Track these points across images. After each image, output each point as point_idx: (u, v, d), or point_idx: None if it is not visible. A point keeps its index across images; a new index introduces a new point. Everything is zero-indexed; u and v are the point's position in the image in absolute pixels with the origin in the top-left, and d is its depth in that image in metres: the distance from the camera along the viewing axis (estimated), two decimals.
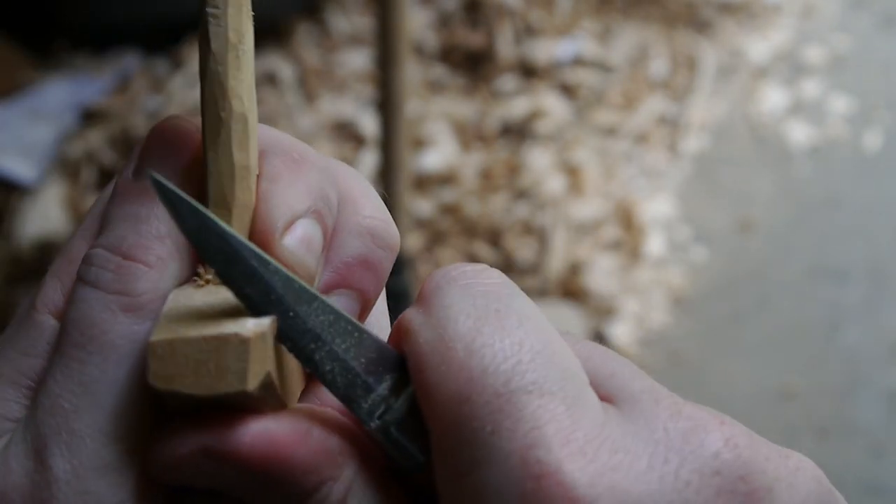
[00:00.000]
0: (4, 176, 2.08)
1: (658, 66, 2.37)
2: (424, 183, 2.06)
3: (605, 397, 0.29)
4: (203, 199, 0.30)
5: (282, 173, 0.31)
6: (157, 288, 0.30)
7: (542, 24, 2.40)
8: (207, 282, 0.30)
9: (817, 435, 1.69)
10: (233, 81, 0.30)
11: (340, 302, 0.32)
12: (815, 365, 1.80)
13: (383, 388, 0.29)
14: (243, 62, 0.30)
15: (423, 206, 2.01)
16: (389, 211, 0.36)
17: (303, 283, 0.29)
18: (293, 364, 0.31)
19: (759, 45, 2.47)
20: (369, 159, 2.09)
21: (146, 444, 0.29)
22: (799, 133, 2.26)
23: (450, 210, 2.01)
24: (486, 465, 0.27)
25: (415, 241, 1.92)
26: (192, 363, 0.28)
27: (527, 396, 0.27)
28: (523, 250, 1.94)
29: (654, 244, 2.00)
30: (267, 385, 0.28)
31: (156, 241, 0.30)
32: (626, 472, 0.26)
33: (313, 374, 0.29)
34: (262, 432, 0.28)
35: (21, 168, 2.10)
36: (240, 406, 0.28)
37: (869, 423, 1.70)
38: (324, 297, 0.30)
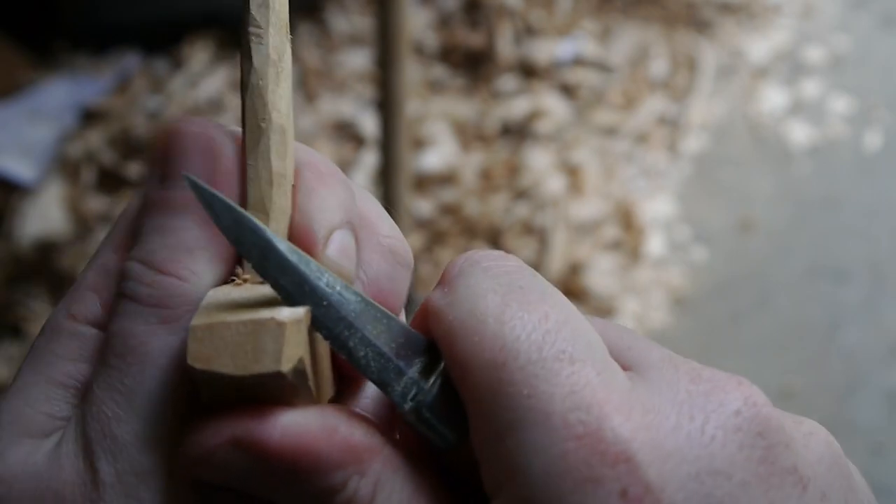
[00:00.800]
0: (4, 176, 2.08)
1: (658, 66, 2.37)
2: (424, 183, 2.06)
3: (625, 367, 0.31)
4: (241, 204, 0.32)
5: (315, 186, 0.33)
6: (191, 300, 0.32)
7: (542, 24, 2.40)
8: (245, 281, 0.32)
9: None
10: (272, 95, 0.32)
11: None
12: (815, 365, 1.80)
13: (414, 370, 0.31)
14: (282, 78, 0.32)
15: (423, 206, 2.01)
16: (389, 212, 0.37)
17: (332, 275, 0.31)
18: (325, 365, 0.32)
19: (759, 45, 2.47)
20: (369, 159, 2.09)
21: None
22: (799, 133, 2.26)
23: (450, 210, 2.01)
24: (526, 427, 0.28)
25: (415, 241, 1.93)
26: (230, 346, 0.29)
27: (559, 363, 0.29)
28: (523, 250, 1.94)
29: (654, 244, 2.00)
30: (300, 372, 0.29)
31: (186, 253, 0.32)
32: (658, 430, 0.28)
33: (348, 360, 0.31)
34: (292, 425, 0.29)
35: (21, 168, 2.10)
36: (273, 396, 0.29)
37: (869, 423, 1.70)
38: (352, 287, 0.31)
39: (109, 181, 2.10)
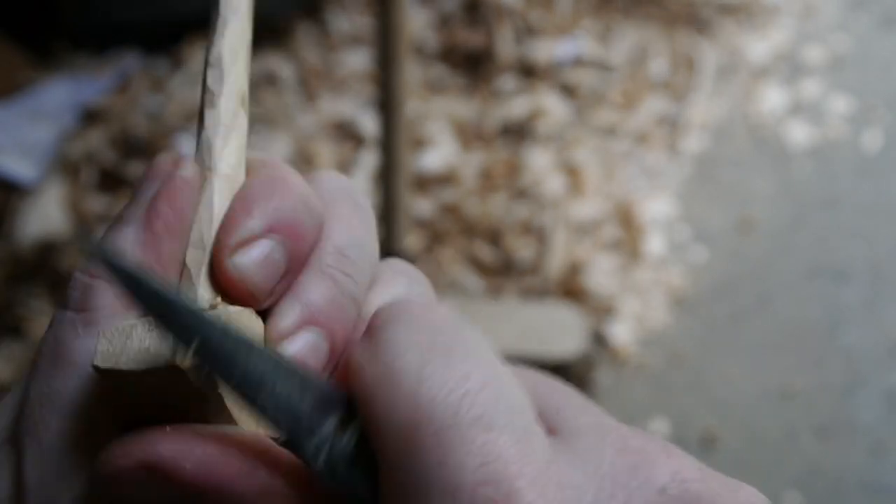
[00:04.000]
0: (4, 176, 2.08)
1: (658, 66, 2.37)
2: (424, 183, 2.06)
3: (551, 431, 0.29)
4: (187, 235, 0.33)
5: (254, 195, 0.32)
6: (115, 303, 0.31)
7: (542, 24, 2.40)
8: None
9: (817, 435, 1.69)
10: (219, 151, 0.34)
11: (307, 339, 0.32)
12: (815, 365, 1.80)
13: (328, 426, 0.29)
14: (233, 137, 0.34)
15: (423, 206, 2.01)
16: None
17: (240, 334, 0.29)
18: None
19: (759, 45, 2.47)
20: (369, 159, 2.09)
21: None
22: (799, 133, 2.26)
23: (450, 210, 2.01)
24: (434, 498, 0.27)
25: (415, 241, 1.93)
26: (135, 343, 0.29)
27: (474, 430, 0.27)
28: (523, 250, 1.94)
29: (654, 244, 2.00)
30: (205, 376, 0.28)
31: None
32: None
33: (258, 418, 0.30)
34: (207, 458, 0.28)
35: (21, 168, 2.10)
36: (185, 406, 0.29)
37: (869, 423, 1.70)
38: (262, 346, 0.30)
39: (109, 181, 2.10)
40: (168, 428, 0.28)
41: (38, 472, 0.30)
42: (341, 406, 0.30)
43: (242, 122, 0.35)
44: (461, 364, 0.28)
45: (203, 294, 0.31)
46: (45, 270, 1.94)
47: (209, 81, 0.35)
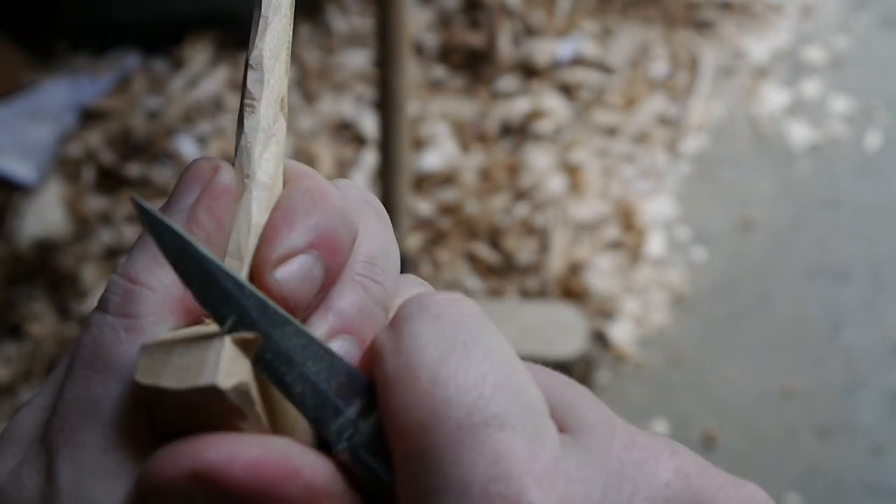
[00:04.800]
0: (4, 176, 2.08)
1: (658, 66, 2.37)
2: (424, 183, 2.06)
3: (563, 428, 0.30)
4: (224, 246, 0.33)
5: (295, 208, 0.33)
6: (159, 311, 0.32)
7: (542, 24, 2.40)
8: (210, 323, 0.32)
9: (817, 435, 1.69)
10: (258, 157, 0.34)
11: (341, 346, 0.32)
12: (815, 365, 1.80)
13: (352, 411, 0.30)
14: (271, 143, 0.34)
15: (423, 206, 2.01)
16: (389, 212, 0.37)
17: (278, 308, 0.30)
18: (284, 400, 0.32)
19: (759, 45, 2.47)
20: (369, 159, 2.09)
21: (144, 454, 0.30)
22: (799, 133, 2.26)
23: (450, 210, 2.01)
24: (446, 495, 0.28)
25: (415, 241, 1.93)
26: (175, 361, 0.29)
27: (487, 429, 0.28)
28: (523, 250, 1.94)
29: (654, 244, 2.00)
30: (242, 392, 0.29)
31: (159, 265, 0.32)
32: (582, 503, 0.28)
33: (285, 396, 0.30)
34: (254, 460, 0.28)
35: (21, 168, 2.10)
36: (222, 421, 0.29)
37: (869, 423, 1.70)
38: (297, 322, 0.30)
39: (109, 181, 2.10)
40: (213, 435, 0.29)
41: (73, 474, 0.30)
42: (366, 392, 0.31)
43: (281, 128, 0.34)
44: (479, 365, 0.29)
45: None
46: (44, 270, 1.94)
47: (249, 84, 0.34)
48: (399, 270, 0.36)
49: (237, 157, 0.34)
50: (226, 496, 0.28)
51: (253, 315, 0.29)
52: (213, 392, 0.29)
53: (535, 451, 0.28)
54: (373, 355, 0.31)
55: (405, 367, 0.29)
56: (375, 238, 0.35)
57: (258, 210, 0.33)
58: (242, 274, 0.32)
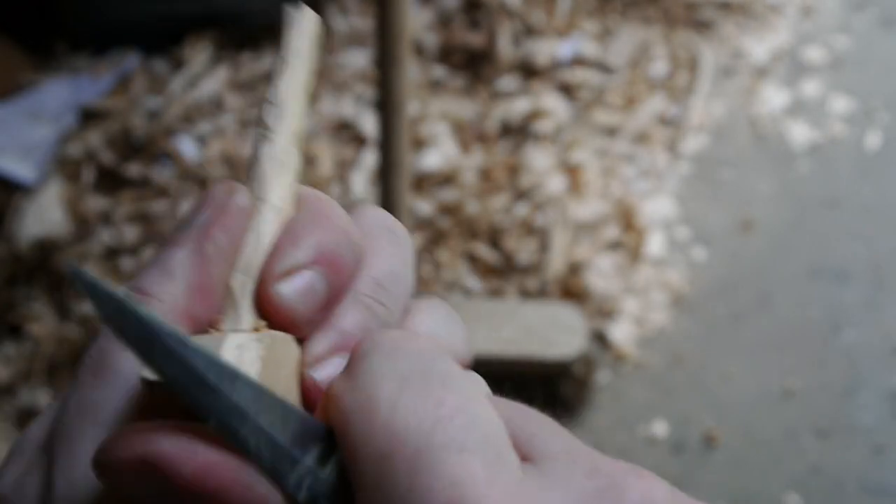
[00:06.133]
0: (4, 176, 2.08)
1: (658, 66, 2.37)
2: (424, 183, 2.06)
3: (524, 457, 0.30)
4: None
5: (301, 227, 0.34)
6: (166, 320, 0.31)
7: (542, 25, 2.40)
8: (221, 332, 0.32)
9: (817, 435, 1.69)
10: (270, 183, 0.35)
11: (340, 363, 0.32)
12: (815, 365, 1.80)
13: (310, 458, 0.30)
14: (285, 172, 0.36)
15: (423, 206, 2.01)
16: (389, 212, 0.37)
17: (226, 362, 0.30)
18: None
19: (759, 45, 2.47)
20: (369, 159, 2.09)
21: None
22: (799, 133, 2.26)
23: (450, 210, 2.01)
24: None
25: (415, 241, 1.92)
26: None
27: (446, 453, 0.27)
28: (523, 250, 1.94)
29: (654, 244, 2.00)
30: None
31: (168, 277, 0.32)
32: None
33: (240, 451, 0.30)
34: (209, 463, 0.28)
35: (21, 168, 2.10)
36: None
37: (869, 423, 1.70)
38: (247, 375, 0.30)
39: (109, 181, 2.10)
40: (170, 423, 0.28)
41: (68, 482, 0.30)
42: (323, 439, 0.30)
43: (295, 159, 0.36)
44: (437, 391, 0.29)
45: (246, 318, 0.33)
46: (44, 270, 1.94)
47: (268, 118, 0.36)
48: (410, 294, 0.36)
49: (249, 182, 0.35)
50: (171, 492, 0.28)
51: (200, 370, 0.29)
52: None
53: (493, 475, 0.27)
54: (329, 398, 0.31)
55: (363, 402, 0.29)
56: (386, 261, 0.35)
57: (268, 231, 0.34)
58: (248, 289, 0.33)
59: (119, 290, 0.30)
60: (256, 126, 0.37)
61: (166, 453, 0.28)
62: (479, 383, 0.32)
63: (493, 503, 0.27)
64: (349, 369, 0.31)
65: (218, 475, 0.28)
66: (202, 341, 0.30)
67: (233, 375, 0.29)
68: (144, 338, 0.29)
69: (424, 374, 0.29)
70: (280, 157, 0.36)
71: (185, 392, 0.29)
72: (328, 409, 0.30)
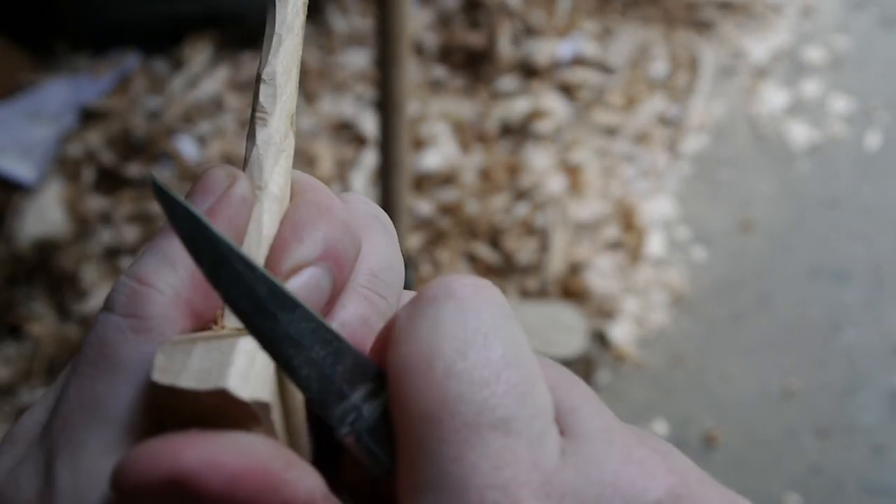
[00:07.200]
0: (4, 176, 2.08)
1: (658, 66, 2.37)
2: (424, 183, 2.06)
3: (563, 430, 0.30)
4: None
5: (303, 221, 0.33)
6: (167, 313, 0.31)
7: (542, 25, 2.40)
8: (223, 328, 0.32)
9: (817, 435, 1.69)
10: (269, 169, 0.35)
11: None
12: (815, 365, 1.80)
13: (357, 396, 0.30)
14: (282, 157, 0.35)
15: (423, 206, 2.01)
16: (389, 212, 0.37)
17: (288, 291, 0.30)
18: (299, 422, 0.32)
19: (759, 46, 2.47)
20: (369, 159, 2.09)
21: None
22: (799, 133, 2.26)
23: (450, 210, 2.01)
24: (443, 492, 0.28)
25: (415, 241, 1.93)
26: (195, 362, 0.29)
27: (494, 433, 0.28)
28: (523, 250, 1.94)
29: (654, 244, 2.00)
30: (262, 403, 0.29)
31: (169, 266, 0.32)
32: None
33: (290, 378, 0.30)
34: (235, 475, 0.27)
35: (21, 168, 2.10)
36: (238, 424, 0.29)
37: (869, 423, 1.70)
38: (307, 306, 0.30)
39: (109, 181, 2.10)
40: (191, 435, 0.28)
41: (72, 475, 0.30)
42: (372, 378, 0.31)
43: (291, 143, 0.35)
44: (495, 362, 0.29)
45: None
46: (44, 270, 1.94)
47: (262, 99, 0.35)
48: (402, 285, 0.36)
49: (248, 168, 0.35)
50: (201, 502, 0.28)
51: (262, 297, 0.29)
52: (233, 395, 0.28)
53: (535, 459, 0.28)
54: (389, 332, 0.31)
55: (421, 354, 0.29)
56: (381, 252, 0.35)
57: (269, 221, 0.34)
58: None
59: (195, 208, 0.30)
60: (251, 107, 0.36)
61: (193, 470, 0.27)
62: (526, 344, 0.32)
63: (529, 492, 0.28)
64: (417, 310, 0.30)
65: (246, 484, 0.28)
66: (214, 334, 0.30)
67: (293, 305, 0.30)
68: (215, 259, 0.29)
69: (487, 339, 0.29)
70: (277, 141, 0.35)
71: (245, 317, 0.29)
72: (388, 343, 0.30)
